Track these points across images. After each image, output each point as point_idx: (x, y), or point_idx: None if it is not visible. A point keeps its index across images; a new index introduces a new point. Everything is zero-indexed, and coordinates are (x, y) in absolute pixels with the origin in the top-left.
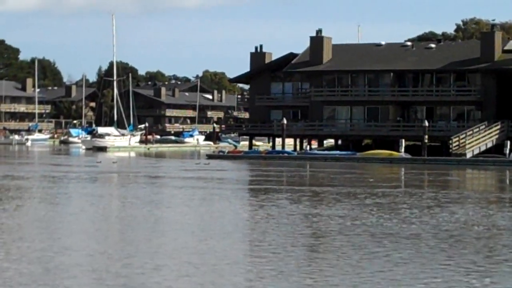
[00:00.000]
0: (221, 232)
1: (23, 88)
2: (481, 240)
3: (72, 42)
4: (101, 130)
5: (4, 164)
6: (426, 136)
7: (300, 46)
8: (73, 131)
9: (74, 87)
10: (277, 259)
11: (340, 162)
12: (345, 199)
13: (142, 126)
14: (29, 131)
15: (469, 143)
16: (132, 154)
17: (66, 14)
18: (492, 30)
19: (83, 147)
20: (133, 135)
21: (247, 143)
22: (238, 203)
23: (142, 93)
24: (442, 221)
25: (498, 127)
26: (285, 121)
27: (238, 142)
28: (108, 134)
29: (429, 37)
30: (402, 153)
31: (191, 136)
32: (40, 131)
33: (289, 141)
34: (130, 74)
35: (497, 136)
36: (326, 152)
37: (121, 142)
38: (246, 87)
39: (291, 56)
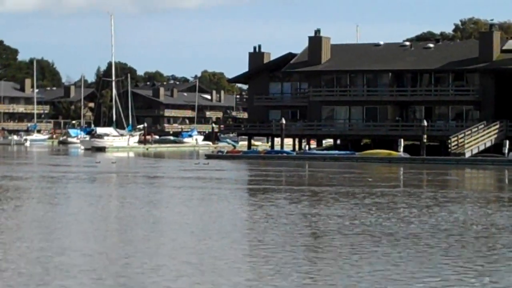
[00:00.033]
0: (220, 232)
1: (22, 89)
2: (480, 239)
3: (71, 43)
4: (100, 130)
5: (3, 165)
6: (425, 136)
7: (299, 46)
8: (72, 132)
9: (72, 88)
10: (276, 259)
11: (339, 162)
12: (344, 198)
13: (141, 126)
14: (27, 131)
15: (467, 143)
16: (131, 154)
17: (64, 14)
18: (491, 30)
19: (82, 147)
20: (132, 136)
21: (246, 143)
22: (237, 203)
23: (140, 93)
24: (441, 220)
25: (497, 126)
26: (283, 121)
27: (237, 142)
28: (107, 135)
29: (427, 37)
30: (401, 153)
31: (190, 136)
32: (38, 131)
33: (288, 141)
34: (128, 75)
35: (495, 136)
36: (325, 152)
37: (119, 142)
38: (245, 87)
39: (290, 56)
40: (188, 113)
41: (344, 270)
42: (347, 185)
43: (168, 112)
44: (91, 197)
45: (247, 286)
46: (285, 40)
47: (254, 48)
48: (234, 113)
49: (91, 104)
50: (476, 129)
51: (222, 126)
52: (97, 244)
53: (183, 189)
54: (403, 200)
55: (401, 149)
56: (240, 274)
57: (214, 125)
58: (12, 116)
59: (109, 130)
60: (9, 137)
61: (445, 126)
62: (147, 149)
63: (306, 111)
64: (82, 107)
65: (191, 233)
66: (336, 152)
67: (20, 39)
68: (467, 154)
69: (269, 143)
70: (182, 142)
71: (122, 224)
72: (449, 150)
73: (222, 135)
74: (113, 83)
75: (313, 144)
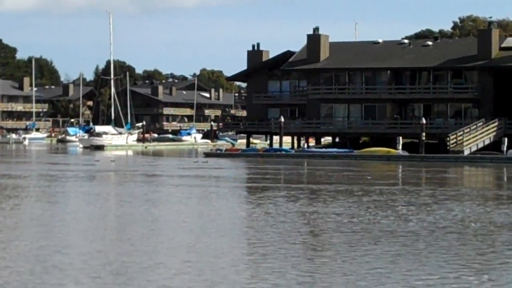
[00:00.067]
0: (219, 230)
1: (21, 87)
2: (478, 237)
3: (70, 41)
4: (98, 128)
5: (1, 163)
6: (424, 134)
7: (297, 44)
8: (70, 130)
9: (71, 86)
10: (274, 257)
11: (338, 159)
12: (342, 196)
13: (140, 124)
14: (26, 130)
15: (466, 141)
16: (130, 152)
17: (63, 13)
18: (489, 27)
19: (81, 145)
20: (131, 134)
21: (244, 141)
22: (236, 201)
23: (139, 91)
24: (440, 218)
25: (496, 124)
26: (282, 119)
27: (236, 140)
28: (106, 133)
29: (426, 34)
30: (400, 151)
31: (189, 134)
32: (37, 130)
33: (287, 139)
34: (127, 73)
35: (494, 133)
36: (323, 150)
37: (118, 140)
38: (244, 85)
39: (288, 54)
40: (187, 111)
41: (342, 268)
42: (346, 183)
43: (166, 110)
44: (89, 196)
45: (245, 284)
46: (283, 38)
47: (253, 46)
48: (232, 111)
49: (90, 103)
50: (474, 126)
51: (220, 124)
52: (96, 243)
53: (182, 187)
54: (401, 198)
55: (400, 147)
56: (238, 272)
57: (212, 123)
58: (10, 115)
59: (108, 128)
60: (8, 136)
61: (444, 124)
62: (145, 147)
63: (305, 109)
64: (81, 105)
65: (189, 231)
66: (335, 150)
67: (19, 38)
68: (466, 152)
69: (268, 141)
70: (181, 140)
71: (121, 222)
72: (448, 148)
73: (220, 133)
74: (112, 82)
75: (312, 142)
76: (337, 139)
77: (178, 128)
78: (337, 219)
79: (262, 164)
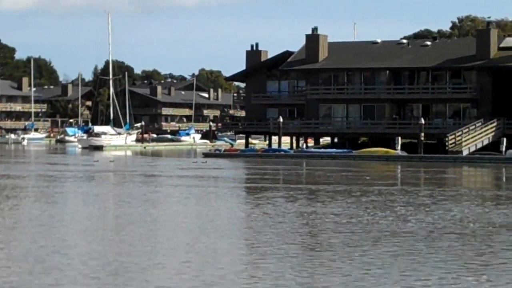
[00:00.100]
0: (217, 231)
1: (19, 87)
2: (477, 237)
3: (68, 41)
4: (97, 129)
5: (0, 163)
6: (422, 134)
7: (296, 44)
8: (69, 130)
9: (70, 86)
10: (273, 257)
11: (336, 160)
12: (341, 197)
13: (138, 124)
14: (25, 130)
15: (465, 141)
16: (129, 153)
17: (62, 13)
18: (488, 27)
19: (79, 146)
20: (129, 134)
21: (243, 141)
22: (234, 201)
23: (138, 91)
24: (438, 218)
25: (494, 124)
26: (281, 119)
27: (235, 140)
28: (104, 133)
29: (424, 34)
30: (398, 151)
31: (188, 134)
32: (36, 130)
33: (286, 139)
34: (126, 73)
35: (493, 134)
36: (322, 150)
37: (117, 141)
38: (242, 85)
39: (287, 54)
40: (186, 112)
41: (341, 269)
42: (345, 183)
43: (165, 111)
44: (88, 196)
45: (244, 285)
46: (282, 38)
47: (252, 46)
48: (231, 112)
49: (89, 103)
50: (473, 127)
51: (219, 124)
52: (95, 243)
53: (181, 188)
54: (400, 198)
55: (399, 147)
56: (237, 272)
57: (211, 123)
58: (9, 115)
59: (107, 128)
60: (7, 136)
61: (443, 124)
62: (144, 147)
63: (304, 109)
64: (80, 105)
65: (188, 232)
66: (334, 150)
67: (18, 38)
68: (465, 152)
69: (267, 142)
70: (180, 141)
71: (120, 222)
72: (447, 148)
73: (219, 134)
74: (111, 82)
75: (311, 142)
76: (336, 139)
77: (177, 128)
78: (336, 220)
79: (261, 164)
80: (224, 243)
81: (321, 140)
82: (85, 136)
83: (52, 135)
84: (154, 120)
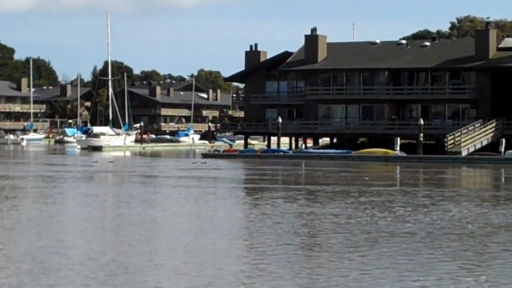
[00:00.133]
0: (216, 231)
1: (18, 88)
2: (476, 238)
3: (67, 42)
4: (96, 129)
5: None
6: (421, 134)
7: (295, 44)
8: (68, 131)
9: (69, 87)
10: (271, 258)
11: (336, 160)
12: (340, 197)
13: (137, 125)
14: (24, 130)
15: (464, 141)
16: (127, 153)
17: (61, 13)
18: (487, 28)
19: (78, 146)
20: (128, 135)
21: (242, 142)
22: (233, 202)
23: (137, 92)
24: (437, 219)
25: (493, 125)
26: (280, 120)
27: (233, 141)
28: (103, 134)
29: (424, 35)
30: (397, 151)
31: (187, 135)
32: (35, 130)
33: (285, 140)
34: (125, 74)
35: (492, 134)
36: (321, 150)
37: (116, 141)
38: (241, 86)
39: (286, 54)
40: (185, 112)
41: (339, 269)
42: (344, 184)
43: (164, 111)
44: (87, 197)
45: (242, 285)
46: (281, 39)
47: (251, 46)
48: (230, 112)
49: (88, 103)
50: (472, 127)
51: (218, 125)
52: (94, 243)
53: (180, 188)
54: (399, 199)
55: (398, 148)
56: (236, 273)
57: (210, 124)
58: (8, 116)
59: (106, 129)
60: (6, 137)
61: (442, 125)
62: (143, 148)
63: (303, 110)
64: (79, 106)
65: (187, 232)
66: (333, 150)
67: (16, 38)
68: (464, 153)
69: (266, 142)
70: (179, 141)
71: (119, 223)
72: (446, 148)
73: (218, 134)
74: (110, 82)
75: (310, 142)
76: (335, 140)
77: (176, 129)
78: (335, 220)
79: (260, 165)
80: (223, 243)
81: (320, 140)
82: (84, 137)
83: (51, 135)
84: (153, 121)
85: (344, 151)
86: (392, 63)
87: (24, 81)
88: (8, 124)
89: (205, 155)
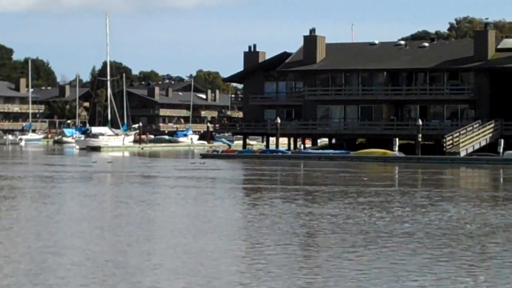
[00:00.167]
0: (215, 231)
1: (17, 88)
2: (474, 238)
3: (66, 42)
4: (95, 130)
5: None
6: (420, 135)
7: (294, 45)
8: (67, 131)
9: (67, 87)
10: (270, 258)
11: (334, 161)
12: (338, 198)
13: (136, 125)
14: (23, 131)
15: (462, 142)
16: (126, 153)
17: (60, 14)
18: (486, 28)
19: (77, 147)
20: (127, 135)
21: (241, 142)
22: (232, 202)
23: (135, 92)
24: (435, 219)
25: (492, 125)
26: (279, 120)
27: (232, 141)
28: (102, 134)
29: (422, 36)
30: (396, 152)
31: (185, 135)
32: (34, 131)
33: (283, 140)
34: (123, 74)
35: (490, 135)
36: (320, 151)
37: (115, 142)
38: (240, 86)
39: (285, 55)
40: (183, 113)
41: (338, 269)
42: (342, 184)
43: (163, 112)
44: (86, 197)
45: (241, 285)
46: (280, 39)
47: (249, 47)
48: (229, 113)
49: (86, 104)
50: (471, 128)
51: (217, 125)
52: (92, 244)
53: (178, 188)
54: (397, 199)
55: (396, 148)
56: (234, 273)
57: (209, 124)
58: (7, 116)
59: (104, 129)
60: (4, 137)
61: (440, 125)
62: (142, 148)
63: (301, 110)
64: (77, 106)
65: (186, 233)
66: (331, 151)
67: (15, 39)
68: (462, 153)
69: (264, 143)
70: (177, 142)
71: (117, 223)
72: (444, 149)
73: (217, 135)
74: (108, 83)
75: (308, 143)
76: (333, 141)
77: (175, 129)
78: (333, 220)
79: (259, 165)
80: (222, 243)
81: (318, 141)
82: (82, 137)
83: (49, 136)
84: (151, 121)
85: (343, 151)
86: (391, 63)
87: (22, 81)
88: (6, 125)
89: (203, 156)
